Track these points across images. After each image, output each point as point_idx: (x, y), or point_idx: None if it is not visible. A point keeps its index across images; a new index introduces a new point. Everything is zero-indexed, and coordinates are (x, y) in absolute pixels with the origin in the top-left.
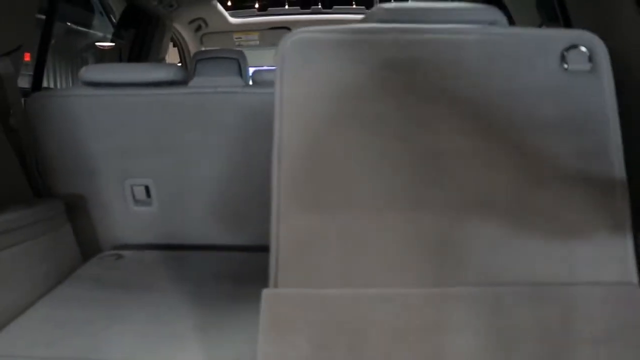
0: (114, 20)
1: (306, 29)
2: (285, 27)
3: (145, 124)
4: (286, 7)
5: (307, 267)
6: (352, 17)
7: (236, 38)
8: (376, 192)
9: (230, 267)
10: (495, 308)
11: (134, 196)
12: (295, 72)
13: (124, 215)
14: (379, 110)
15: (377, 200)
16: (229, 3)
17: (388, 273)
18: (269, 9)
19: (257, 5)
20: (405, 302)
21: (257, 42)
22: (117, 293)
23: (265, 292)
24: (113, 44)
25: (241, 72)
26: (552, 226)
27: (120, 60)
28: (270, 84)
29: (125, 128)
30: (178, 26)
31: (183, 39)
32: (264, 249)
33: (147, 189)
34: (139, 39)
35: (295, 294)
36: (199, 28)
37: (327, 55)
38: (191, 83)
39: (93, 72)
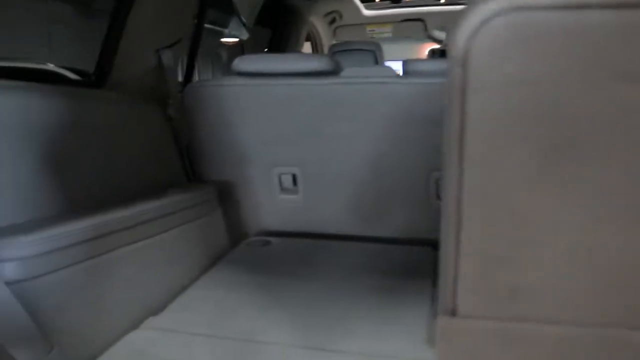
0: (241, 17)
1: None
2: (419, 19)
3: (295, 114)
4: None
5: (502, 290)
6: None
7: (369, 30)
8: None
9: (375, 259)
10: None
11: (280, 184)
12: (490, 72)
13: (270, 203)
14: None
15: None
16: None
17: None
18: (403, 0)
19: None
20: None
21: (390, 34)
22: (266, 278)
23: (443, 322)
24: (237, 39)
25: (377, 63)
26: None
27: (242, 53)
28: (424, 74)
29: (275, 117)
30: (313, 19)
31: (317, 31)
32: (407, 242)
33: (294, 177)
34: (278, 31)
35: (486, 328)
36: (333, 21)
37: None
38: (342, 73)
39: (247, 62)
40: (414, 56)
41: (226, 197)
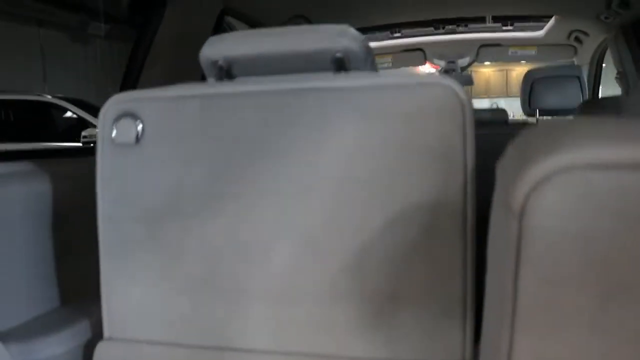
0: None
1: None
2: (419, 49)
3: None
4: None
5: None
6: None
7: None
8: None
9: None
10: None
11: None
12: (547, 227)
13: None
14: None
15: None
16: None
17: None
18: (402, 31)
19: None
20: None
21: (390, 65)
22: None
23: None
24: None
25: None
26: None
27: None
28: None
29: None
30: None
31: None
32: None
33: None
34: None
35: None
36: None
37: None
38: None
39: None
40: None
41: None
